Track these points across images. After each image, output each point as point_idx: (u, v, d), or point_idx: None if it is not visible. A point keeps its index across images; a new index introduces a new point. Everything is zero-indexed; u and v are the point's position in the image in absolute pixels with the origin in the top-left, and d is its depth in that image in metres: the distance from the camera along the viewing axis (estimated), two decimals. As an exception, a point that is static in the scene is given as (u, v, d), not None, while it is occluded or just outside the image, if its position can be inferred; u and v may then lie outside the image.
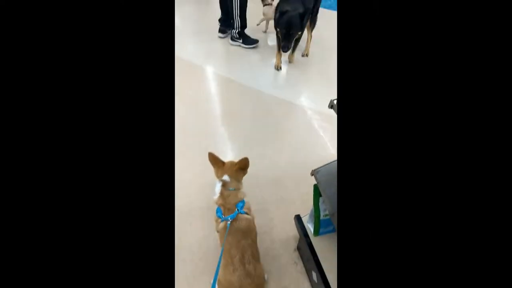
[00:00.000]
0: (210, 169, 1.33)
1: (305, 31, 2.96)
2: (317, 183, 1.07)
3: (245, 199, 1.25)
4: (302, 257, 1.36)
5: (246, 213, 1.19)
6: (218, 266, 0.98)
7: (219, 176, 1.28)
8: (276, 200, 1.62)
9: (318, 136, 2.09)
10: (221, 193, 1.23)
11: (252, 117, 2.28)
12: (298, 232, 1.31)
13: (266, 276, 1.25)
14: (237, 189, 1.26)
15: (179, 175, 1.67)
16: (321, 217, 1.17)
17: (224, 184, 1.24)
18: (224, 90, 2.59)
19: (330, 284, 1.05)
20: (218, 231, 1.21)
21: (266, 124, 2.21)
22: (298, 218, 1.29)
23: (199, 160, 1.72)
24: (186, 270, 1.31)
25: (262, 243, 1.42)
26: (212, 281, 0.93)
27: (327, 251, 1.15)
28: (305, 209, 1.31)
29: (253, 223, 1.21)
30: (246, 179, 1.74)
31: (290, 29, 2.60)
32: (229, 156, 1.87)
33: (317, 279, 1.13)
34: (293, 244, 1.41)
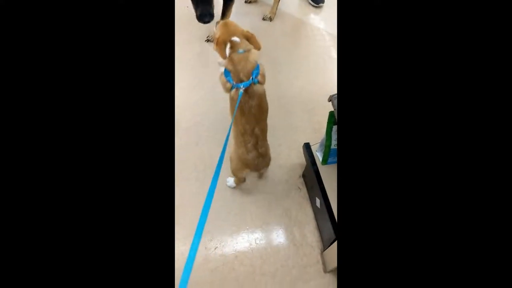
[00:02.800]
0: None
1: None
2: (334, 109, 0.99)
3: (259, 62, 1.10)
4: (306, 184, 1.37)
5: (259, 82, 1.09)
6: (225, 144, 0.88)
7: (225, 39, 1.05)
8: (286, 127, 1.57)
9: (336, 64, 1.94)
10: (230, 58, 1.05)
11: (268, 37, 2.08)
12: (306, 160, 1.29)
13: None
14: (248, 50, 1.07)
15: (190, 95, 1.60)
16: (332, 146, 1.13)
17: (233, 46, 1.05)
18: (242, 5, 2.32)
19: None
20: (229, 95, 1.12)
21: (282, 45, 2.03)
22: (307, 146, 1.25)
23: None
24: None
25: (268, 167, 1.42)
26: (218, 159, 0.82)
27: (332, 180, 1.14)
28: (315, 139, 1.26)
29: (265, 98, 1.12)
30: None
31: None
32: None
33: (320, 205, 1.15)
34: (299, 171, 1.41)
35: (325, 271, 1.16)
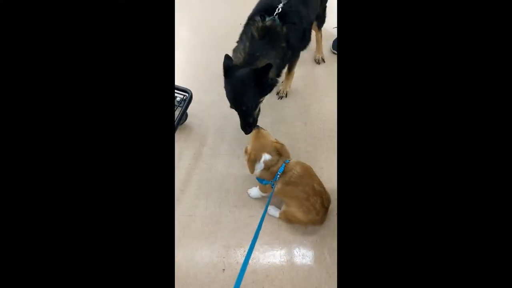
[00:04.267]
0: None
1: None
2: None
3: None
4: (345, 211, 1.33)
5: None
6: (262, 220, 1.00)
7: (256, 156, 1.15)
8: (329, 150, 1.54)
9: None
10: (264, 169, 1.17)
11: (310, 66, 2.06)
12: (348, 188, 1.25)
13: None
14: (278, 160, 1.17)
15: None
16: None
17: (266, 165, 1.15)
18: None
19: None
20: (265, 192, 1.30)
21: (328, 72, 1.99)
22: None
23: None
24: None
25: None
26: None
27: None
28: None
29: (303, 163, 1.22)
30: (302, 127, 1.67)
31: (239, 103, 1.29)
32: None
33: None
34: (339, 197, 1.38)
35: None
